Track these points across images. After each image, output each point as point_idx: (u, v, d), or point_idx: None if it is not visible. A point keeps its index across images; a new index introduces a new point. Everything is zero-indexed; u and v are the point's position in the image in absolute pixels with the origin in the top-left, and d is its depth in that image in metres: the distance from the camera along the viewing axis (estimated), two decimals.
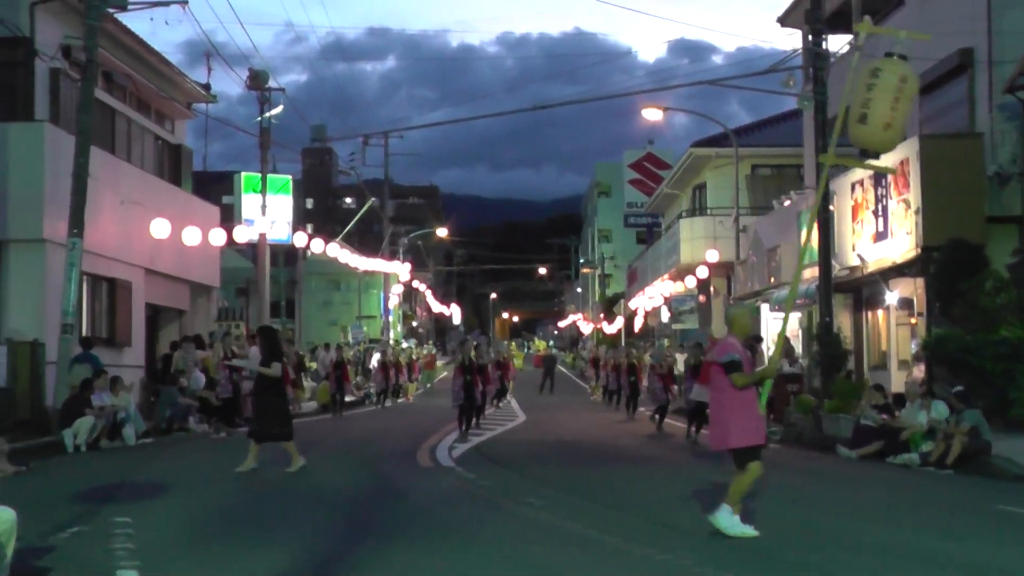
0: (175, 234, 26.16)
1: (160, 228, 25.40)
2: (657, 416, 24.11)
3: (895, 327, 23.65)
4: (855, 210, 24.29)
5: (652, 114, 34.59)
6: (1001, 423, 17.13)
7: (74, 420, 18.05)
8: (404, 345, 48.66)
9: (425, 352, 55.20)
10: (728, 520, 9.28)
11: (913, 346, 21.79)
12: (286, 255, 49.58)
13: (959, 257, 19.50)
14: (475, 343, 24.04)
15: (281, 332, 34.81)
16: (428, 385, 48.67)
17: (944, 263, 19.79)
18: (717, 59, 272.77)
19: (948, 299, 19.54)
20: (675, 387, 25.43)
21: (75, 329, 20.36)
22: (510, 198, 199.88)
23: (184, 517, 10.78)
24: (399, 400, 36.60)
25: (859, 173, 24.21)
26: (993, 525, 10.59)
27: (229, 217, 36.20)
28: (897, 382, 21.84)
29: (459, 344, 25.10)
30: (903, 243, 21.52)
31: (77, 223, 20.17)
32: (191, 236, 27.01)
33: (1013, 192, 20.34)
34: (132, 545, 8.91)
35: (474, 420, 22.56)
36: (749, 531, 9.31)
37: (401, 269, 56.32)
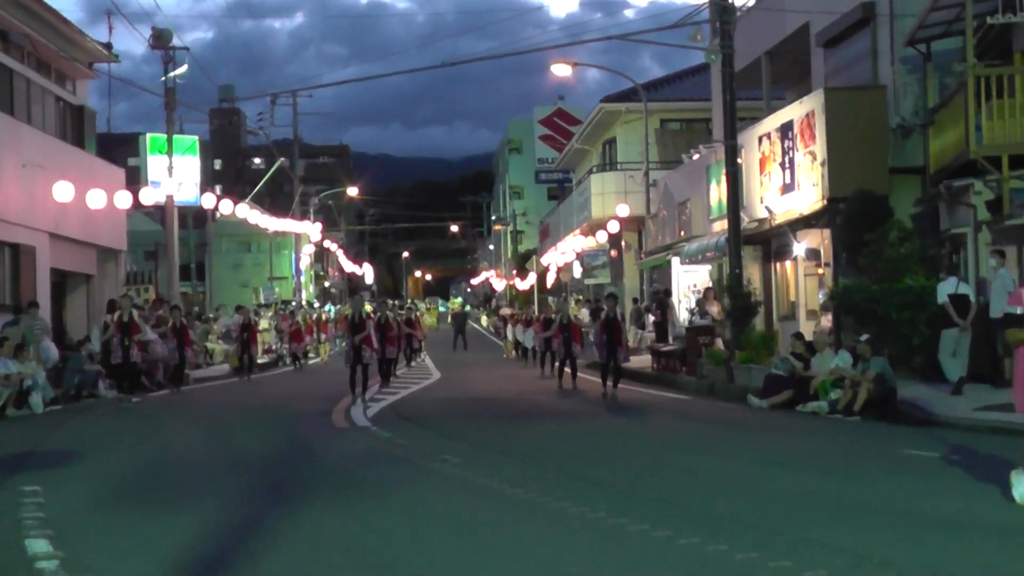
0: (80, 197, 25.62)
1: (64, 191, 24.87)
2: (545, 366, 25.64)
3: (803, 278, 24.02)
4: (763, 163, 24.56)
5: (561, 69, 34.70)
6: (906, 370, 17.53)
7: None
8: (316, 306, 48.31)
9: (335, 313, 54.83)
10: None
11: (821, 296, 22.16)
12: (195, 217, 48.91)
13: (864, 208, 19.86)
14: (385, 301, 24.00)
15: (189, 295, 34.61)
16: (344, 345, 48.36)
17: (849, 214, 20.13)
18: (629, 13, 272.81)
19: (854, 249, 19.89)
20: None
21: None
22: (422, 156, 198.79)
23: (96, 484, 10.62)
24: (312, 361, 36.34)
25: (766, 126, 24.47)
26: (897, 469, 10.84)
27: (135, 179, 35.61)
28: (806, 332, 22.20)
29: (350, 301, 24.90)
30: (810, 195, 21.83)
31: None
32: (96, 199, 26.46)
33: (915, 143, 20.73)
34: (42, 514, 8.75)
35: (382, 381, 22.59)
36: None
37: (312, 229, 55.81)
